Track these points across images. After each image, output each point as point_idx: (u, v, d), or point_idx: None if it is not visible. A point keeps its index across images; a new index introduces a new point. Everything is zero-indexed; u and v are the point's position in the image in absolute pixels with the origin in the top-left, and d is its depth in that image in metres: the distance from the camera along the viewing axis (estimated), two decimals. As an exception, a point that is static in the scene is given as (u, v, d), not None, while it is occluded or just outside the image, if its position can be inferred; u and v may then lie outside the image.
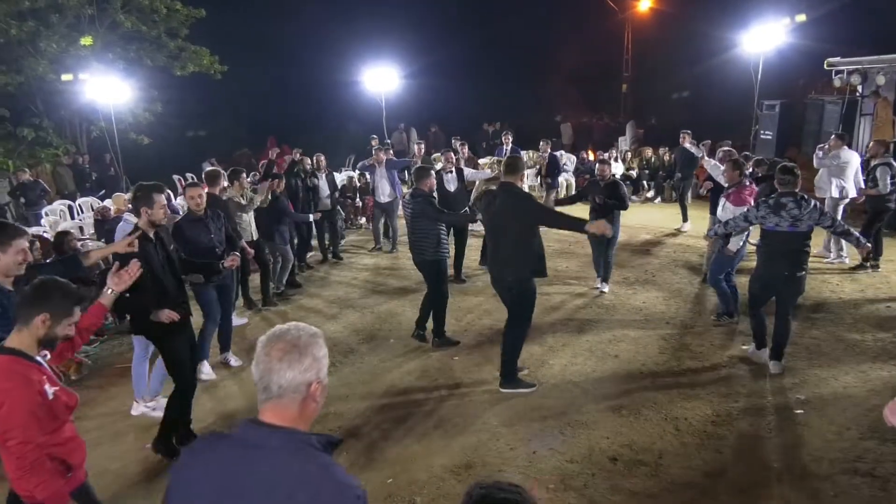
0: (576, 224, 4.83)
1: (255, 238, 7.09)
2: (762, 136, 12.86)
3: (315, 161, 9.43)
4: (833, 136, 8.37)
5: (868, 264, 7.82)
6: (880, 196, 7.61)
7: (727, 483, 3.82)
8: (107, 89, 12.81)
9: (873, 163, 7.67)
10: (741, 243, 5.93)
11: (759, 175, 8.79)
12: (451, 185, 7.97)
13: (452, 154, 8.34)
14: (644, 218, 11.77)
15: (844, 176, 7.95)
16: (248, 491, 1.44)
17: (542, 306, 6.40)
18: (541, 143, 11.63)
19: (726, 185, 6.27)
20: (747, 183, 6.06)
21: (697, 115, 16.70)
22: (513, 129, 21.96)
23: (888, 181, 7.48)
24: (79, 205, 11.73)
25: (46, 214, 10.91)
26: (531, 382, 5.14)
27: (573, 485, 3.82)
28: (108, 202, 10.16)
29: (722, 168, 6.76)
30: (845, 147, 8.16)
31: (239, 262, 5.13)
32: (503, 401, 4.95)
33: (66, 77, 14.40)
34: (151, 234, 4.12)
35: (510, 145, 11.25)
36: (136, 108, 15.74)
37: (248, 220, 7.02)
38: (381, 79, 16.19)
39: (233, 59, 17.77)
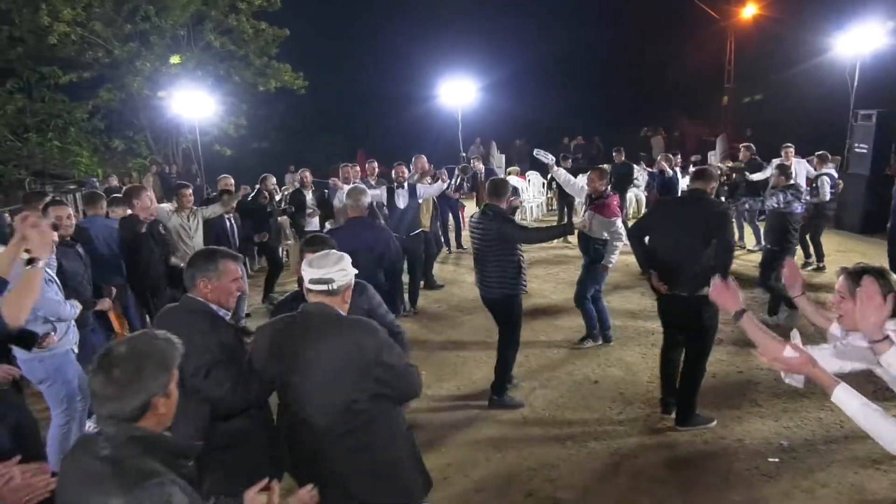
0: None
1: None
2: (856, 150, 11.36)
3: (301, 178, 8.65)
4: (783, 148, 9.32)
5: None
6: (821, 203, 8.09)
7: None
8: (193, 104, 13.74)
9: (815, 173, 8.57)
10: (614, 258, 5.61)
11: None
12: (402, 201, 7.31)
13: (403, 168, 7.84)
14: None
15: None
16: None
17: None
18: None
19: (587, 197, 5.84)
20: (610, 193, 5.77)
21: (793, 127, 15.21)
22: (606, 142, 21.41)
23: (827, 190, 8.01)
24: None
25: (121, 218, 11.95)
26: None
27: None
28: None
29: (573, 181, 6.48)
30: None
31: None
32: (434, 411, 4.67)
33: (161, 94, 15.78)
34: None
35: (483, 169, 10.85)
36: (221, 122, 16.88)
37: (193, 245, 5.85)
38: (457, 92, 16.08)
39: (316, 74, 18.62)
